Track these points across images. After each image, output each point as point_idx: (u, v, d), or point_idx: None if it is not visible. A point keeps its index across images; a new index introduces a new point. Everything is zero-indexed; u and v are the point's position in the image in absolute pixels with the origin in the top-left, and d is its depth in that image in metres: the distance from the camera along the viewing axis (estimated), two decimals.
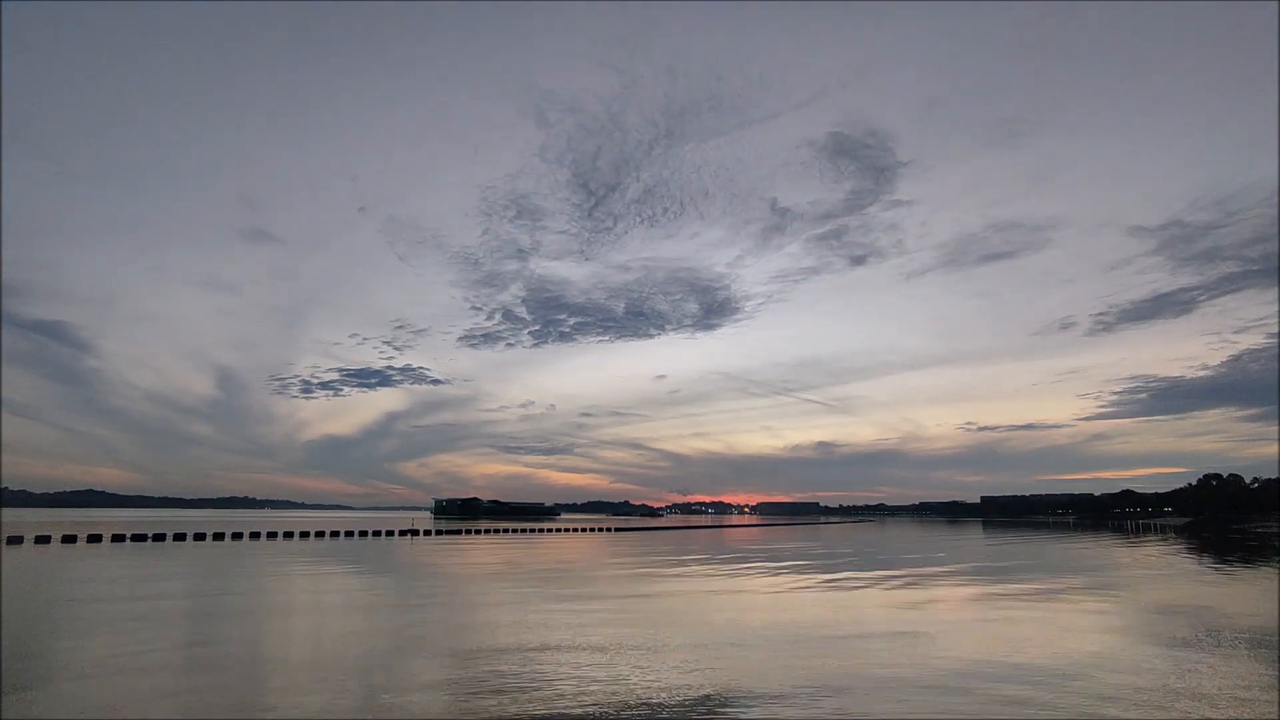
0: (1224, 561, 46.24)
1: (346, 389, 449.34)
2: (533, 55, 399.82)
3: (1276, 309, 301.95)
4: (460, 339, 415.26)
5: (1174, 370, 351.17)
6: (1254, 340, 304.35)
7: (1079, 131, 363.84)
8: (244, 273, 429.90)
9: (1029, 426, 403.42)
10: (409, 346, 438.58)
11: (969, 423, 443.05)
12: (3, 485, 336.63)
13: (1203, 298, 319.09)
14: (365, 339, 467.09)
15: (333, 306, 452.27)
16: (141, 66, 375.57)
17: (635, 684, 13.04)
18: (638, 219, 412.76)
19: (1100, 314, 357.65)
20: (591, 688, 12.71)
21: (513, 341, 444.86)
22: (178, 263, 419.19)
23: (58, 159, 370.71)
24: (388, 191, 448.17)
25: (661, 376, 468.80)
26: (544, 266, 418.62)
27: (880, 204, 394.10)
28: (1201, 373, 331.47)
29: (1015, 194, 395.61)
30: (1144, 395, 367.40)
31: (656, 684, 13.07)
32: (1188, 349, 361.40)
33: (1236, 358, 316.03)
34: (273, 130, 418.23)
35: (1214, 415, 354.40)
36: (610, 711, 11.26)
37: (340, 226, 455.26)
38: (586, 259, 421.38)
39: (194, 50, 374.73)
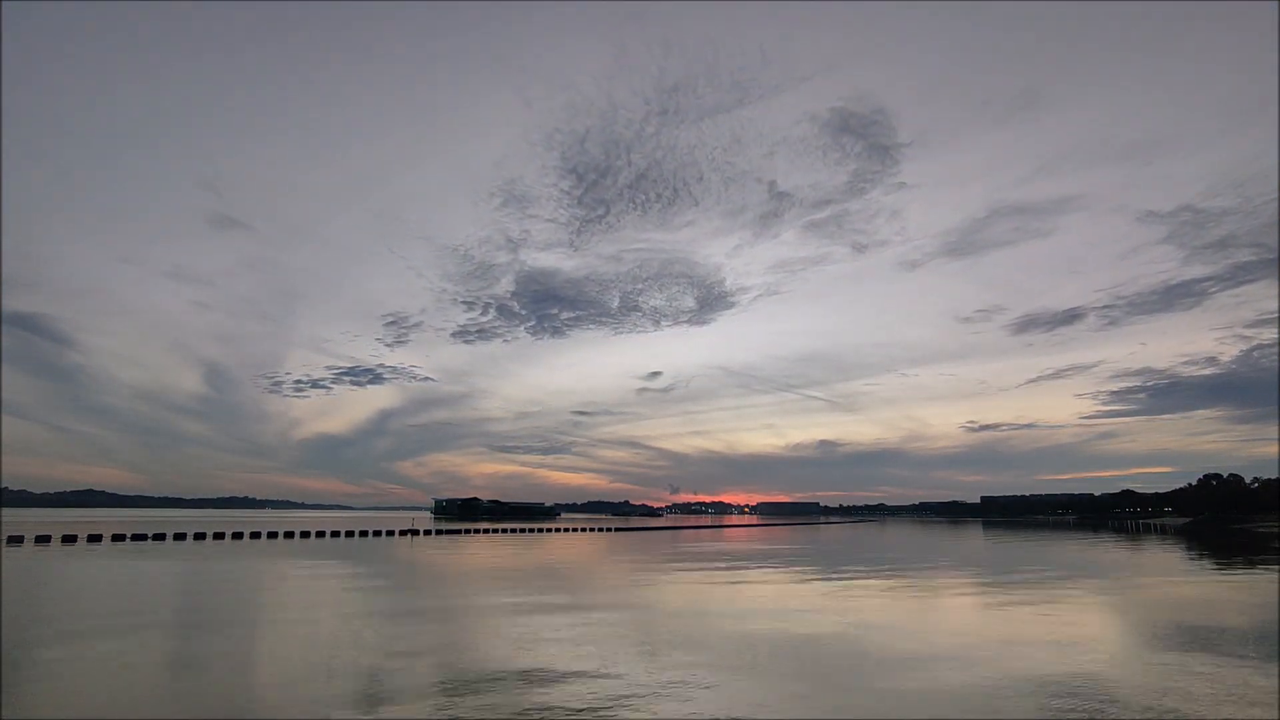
0: (1223, 562, 46.23)
1: (337, 387, 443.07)
2: (516, 23, 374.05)
3: (1277, 303, 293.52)
4: (454, 334, 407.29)
5: (1180, 367, 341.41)
6: (1267, 335, 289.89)
7: (1089, 109, 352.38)
8: (214, 263, 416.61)
9: (1030, 425, 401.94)
10: (400, 343, 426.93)
11: (971, 421, 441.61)
12: (2, 485, 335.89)
13: (1214, 289, 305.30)
14: (355, 335, 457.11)
15: (317, 299, 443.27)
16: (91, 38, 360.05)
17: (637, 707, 13.02)
18: (630, 206, 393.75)
19: (1107, 306, 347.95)
20: (586, 702, 12.72)
21: (508, 338, 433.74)
22: (143, 252, 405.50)
23: (19, 141, 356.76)
24: (363, 177, 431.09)
25: (657, 373, 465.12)
26: (534, 258, 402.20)
27: (883, 187, 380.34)
28: (1209, 370, 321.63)
29: (1022, 177, 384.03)
30: (1147, 394, 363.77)
31: (660, 707, 13.06)
32: (1196, 345, 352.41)
33: (1248, 353, 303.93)
34: (233, 110, 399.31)
35: (1217, 414, 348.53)
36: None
37: (317, 214, 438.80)
38: (577, 250, 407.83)
39: (149, 23, 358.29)
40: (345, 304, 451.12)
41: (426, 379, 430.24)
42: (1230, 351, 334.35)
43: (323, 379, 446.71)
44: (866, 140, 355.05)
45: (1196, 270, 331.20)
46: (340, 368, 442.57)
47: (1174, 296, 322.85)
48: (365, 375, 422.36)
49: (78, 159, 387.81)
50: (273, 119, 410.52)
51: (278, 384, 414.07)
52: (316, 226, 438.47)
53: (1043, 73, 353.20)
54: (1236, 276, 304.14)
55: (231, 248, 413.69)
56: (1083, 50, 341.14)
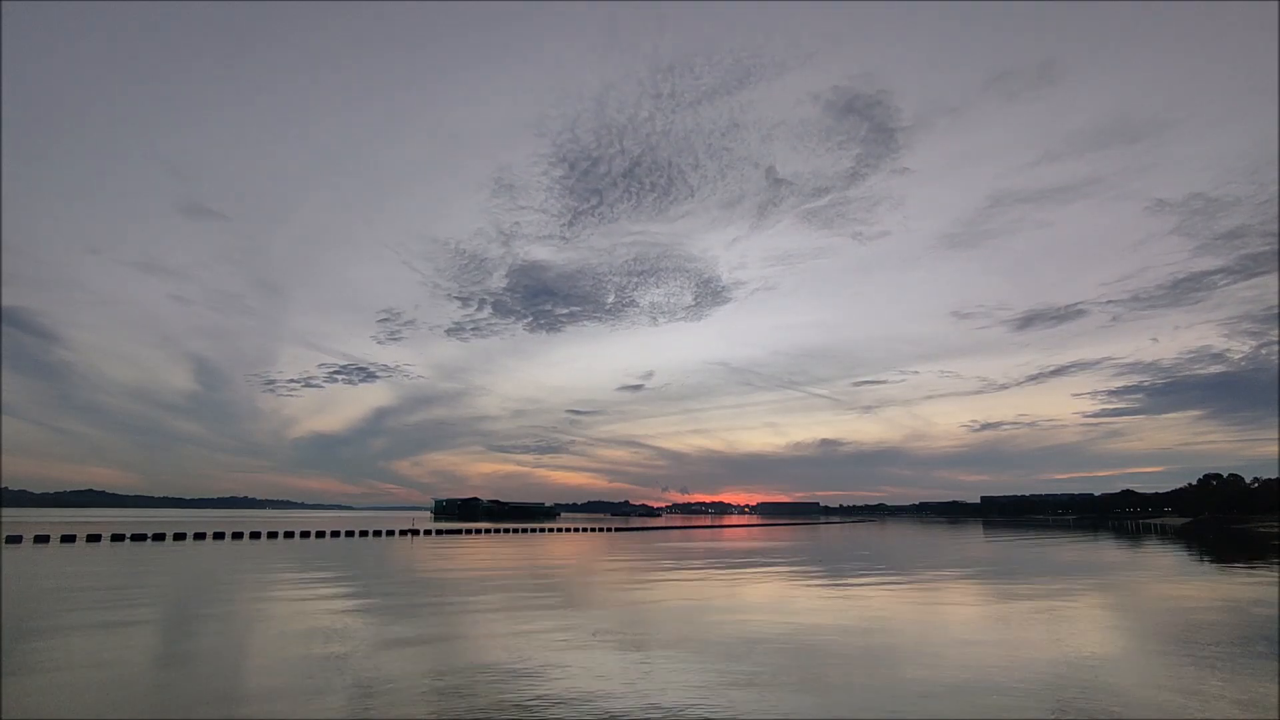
0: (1223, 562, 46.17)
1: (330, 385, 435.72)
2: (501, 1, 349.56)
3: (1278, 298, 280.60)
4: (448, 331, 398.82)
5: (1185, 364, 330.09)
6: (1274, 332, 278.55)
7: (1098, 89, 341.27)
8: (188, 255, 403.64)
9: (1032, 424, 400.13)
10: (394, 339, 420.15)
11: (972, 420, 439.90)
12: (2, 485, 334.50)
13: (1224, 281, 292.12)
14: (348, 332, 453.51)
15: (302, 293, 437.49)
16: (53, 23, 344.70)
17: None
18: (624, 195, 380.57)
19: (1111, 301, 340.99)
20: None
21: (503, 334, 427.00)
22: (111, 243, 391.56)
23: None
24: (347, 168, 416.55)
25: (653, 371, 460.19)
26: (527, 250, 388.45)
27: (884, 173, 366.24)
28: (1216, 367, 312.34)
29: (1028, 162, 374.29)
30: (1147, 393, 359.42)
31: None
32: (1204, 340, 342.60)
33: (1257, 349, 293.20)
34: (202, 95, 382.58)
35: (1217, 414, 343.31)
36: None
37: (296, 204, 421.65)
38: (569, 242, 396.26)
39: (112, 4, 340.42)
40: (334, 298, 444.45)
41: (420, 377, 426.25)
42: (1239, 348, 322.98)
43: (315, 377, 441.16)
44: (870, 122, 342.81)
45: (1206, 262, 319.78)
46: (333, 365, 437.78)
47: (1182, 291, 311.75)
48: (359, 373, 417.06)
49: (41, 146, 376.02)
50: (246, 107, 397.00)
51: (271, 382, 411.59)
52: (295, 216, 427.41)
53: (1051, 51, 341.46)
54: (1247, 268, 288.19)
55: (205, 238, 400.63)
56: (1092, 28, 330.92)
